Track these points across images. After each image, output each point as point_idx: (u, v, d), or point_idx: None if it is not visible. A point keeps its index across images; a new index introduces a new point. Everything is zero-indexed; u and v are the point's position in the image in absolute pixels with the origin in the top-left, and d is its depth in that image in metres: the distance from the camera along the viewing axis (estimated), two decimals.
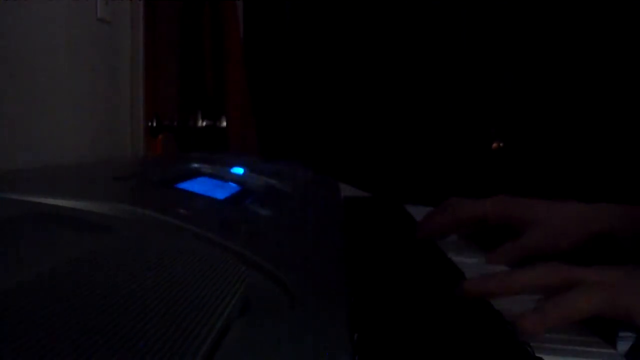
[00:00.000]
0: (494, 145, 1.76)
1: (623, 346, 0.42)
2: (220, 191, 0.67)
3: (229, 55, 1.45)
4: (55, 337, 0.20)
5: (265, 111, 1.70)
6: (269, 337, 0.30)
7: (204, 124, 1.43)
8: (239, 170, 0.84)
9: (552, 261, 0.49)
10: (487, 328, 0.39)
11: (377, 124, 1.80)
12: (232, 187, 0.74)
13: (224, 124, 1.43)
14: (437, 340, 0.35)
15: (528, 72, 1.73)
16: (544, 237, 0.65)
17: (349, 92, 1.81)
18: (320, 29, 1.81)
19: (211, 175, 0.77)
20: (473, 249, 0.77)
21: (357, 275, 0.46)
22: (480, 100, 1.77)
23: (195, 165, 0.81)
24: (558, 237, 0.64)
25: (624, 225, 0.62)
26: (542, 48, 1.70)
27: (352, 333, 0.33)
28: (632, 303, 0.40)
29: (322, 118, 1.81)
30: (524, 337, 0.38)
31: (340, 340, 0.31)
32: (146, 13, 1.16)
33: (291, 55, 1.81)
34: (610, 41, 1.64)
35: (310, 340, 0.30)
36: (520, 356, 0.35)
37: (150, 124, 1.21)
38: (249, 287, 0.33)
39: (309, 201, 0.83)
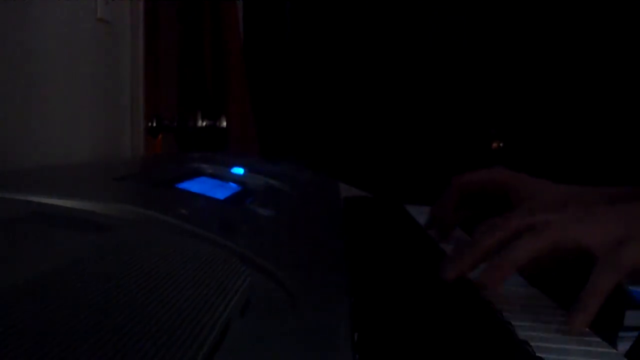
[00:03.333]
0: (494, 145, 1.76)
1: (623, 346, 0.42)
2: (220, 191, 0.67)
3: (229, 55, 1.45)
4: (55, 337, 0.20)
5: (265, 111, 1.70)
6: (269, 337, 0.30)
7: (204, 124, 1.43)
8: (239, 170, 0.84)
9: (507, 215, 0.52)
10: (488, 328, 0.39)
11: (377, 124, 1.80)
12: (232, 187, 0.74)
13: (224, 124, 1.43)
14: (437, 340, 0.35)
15: (528, 72, 1.73)
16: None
17: (349, 92, 1.81)
18: (320, 29, 1.81)
19: (211, 175, 0.77)
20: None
21: (357, 275, 0.46)
22: (480, 100, 1.77)
23: (195, 165, 0.81)
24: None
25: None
26: (542, 48, 1.70)
27: (352, 333, 0.33)
28: (579, 233, 0.43)
29: (322, 118, 1.81)
30: (486, 294, 0.42)
31: (340, 340, 0.31)
32: (146, 13, 1.16)
33: (291, 55, 1.81)
34: (610, 41, 1.64)
35: (310, 340, 0.30)
36: (520, 356, 0.35)
37: (150, 124, 1.21)
38: (249, 287, 0.33)
39: (309, 201, 0.83)
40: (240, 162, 0.88)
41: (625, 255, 0.41)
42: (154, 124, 1.22)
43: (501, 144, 1.76)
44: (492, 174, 0.72)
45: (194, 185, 0.66)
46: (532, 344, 0.37)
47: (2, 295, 0.23)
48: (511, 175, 0.71)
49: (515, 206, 0.67)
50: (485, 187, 0.71)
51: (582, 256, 0.43)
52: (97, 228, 0.39)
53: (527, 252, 0.43)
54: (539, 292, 0.52)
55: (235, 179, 0.80)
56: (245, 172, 0.84)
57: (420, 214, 0.93)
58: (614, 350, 0.41)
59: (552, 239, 0.43)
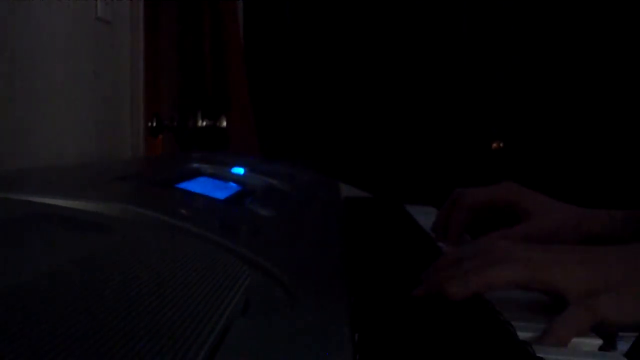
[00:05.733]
0: (494, 145, 1.76)
1: (623, 346, 0.42)
2: (220, 191, 0.67)
3: (229, 55, 1.45)
4: (56, 337, 0.20)
5: (265, 111, 1.70)
6: (269, 337, 0.30)
7: (204, 124, 1.43)
8: (239, 170, 0.84)
9: (491, 237, 0.55)
10: (488, 328, 0.39)
11: (377, 124, 1.80)
12: (232, 187, 0.74)
13: (224, 124, 1.43)
14: (437, 340, 0.35)
15: (528, 72, 1.73)
16: (538, 230, 0.66)
17: (349, 92, 1.81)
18: (320, 29, 1.81)
19: (211, 175, 0.77)
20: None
21: (357, 275, 0.46)
22: (481, 100, 1.77)
23: (195, 165, 0.81)
24: (551, 235, 0.65)
25: (614, 228, 0.63)
26: (542, 48, 1.70)
27: (353, 333, 0.33)
28: (551, 278, 0.44)
29: (322, 118, 1.81)
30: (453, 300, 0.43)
31: (340, 340, 0.31)
32: (146, 13, 1.16)
33: (291, 55, 1.81)
34: (610, 41, 1.64)
35: (310, 340, 0.30)
36: (520, 356, 0.35)
37: (150, 124, 1.21)
38: (249, 287, 0.33)
39: (309, 201, 0.83)
40: (240, 162, 0.88)
41: (596, 305, 0.42)
42: (154, 124, 1.22)
43: (501, 144, 1.76)
44: (500, 191, 0.72)
45: (194, 185, 0.66)
46: (532, 344, 0.37)
47: (2, 295, 0.23)
48: (519, 193, 0.71)
49: (522, 221, 0.67)
50: (494, 204, 0.72)
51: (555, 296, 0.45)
52: (97, 228, 0.39)
53: (497, 280, 0.44)
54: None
55: (235, 179, 0.80)
56: (245, 172, 0.84)
57: (420, 214, 0.92)
58: (614, 350, 0.41)
59: (528, 276, 0.44)
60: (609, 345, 0.41)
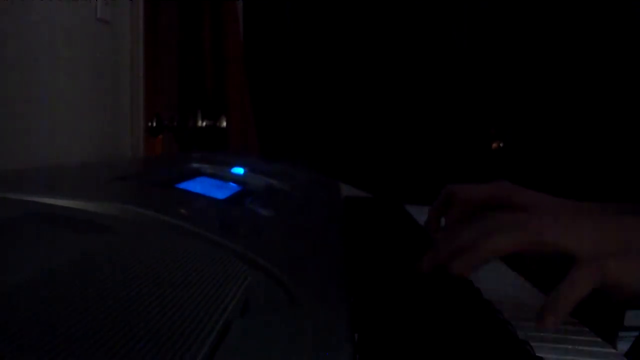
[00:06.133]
0: (494, 145, 1.76)
1: (623, 346, 0.42)
2: (220, 191, 0.67)
3: (229, 55, 1.45)
4: (56, 337, 0.20)
5: (265, 111, 1.70)
6: (269, 337, 0.30)
7: (204, 124, 1.43)
8: (239, 170, 0.84)
9: (490, 212, 0.54)
10: (488, 328, 0.39)
11: (377, 124, 1.80)
12: (232, 187, 0.74)
13: (224, 124, 1.43)
14: (437, 340, 0.35)
15: (528, 72, 1.73)
16: None
17: (349, 92, 1.81)
18: (320, 29, 1.81)
19: (211, 175, 0.77)
20: None
21: (357, 275, 0.46)
22: (480, 100, 1.77)
23: (195, 165, 0.81)
24: None
25: None
26: (542, 48, 1.70)
27: (353, 333, 0.33)
28: (561, 238, 0.42)
29: (322, 118, 1.81)
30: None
31: (340, 340, 0.31)
32: (146, 13, 1.16)
33: (291, 55, 1.81)
34: (609, 41, 1.64)
35: (310, 340, 0.30)
36: (520, 355, 0.35)
37: (150, 124, 1.21)
38: (249, 287, 0.33)
39: (309, 201, 0.83)
40: (240, 162, 0.88)
41: (608, 266, 0.40)
42: (154, 124, 1.22)
43: (501, 144, 1.76)
44: (494, 189, 0.71)
45: (194, 185, 0.66)
46: (532, 343, 0.37)
47: (2, 295, 0.23)
48: (514, 190, 0.70)
49: None
50: (488, 202, 0.71)
51: (562, 256, 0.43)
52: (97, 228, 0.39)
53: (503, 244, 0.43)
54: (531, 286, 0.52)
55: (235, 179, 0.80)
56: (245, 172, 0.84)
57: (420, 214, 0.92)
58: (614, 350, 0.41)
59: (534, 237, 0.42)
60: (609, 345, 0.41)
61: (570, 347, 0.40)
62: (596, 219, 0.45)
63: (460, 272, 0.42)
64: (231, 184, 0.76)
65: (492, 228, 0.44)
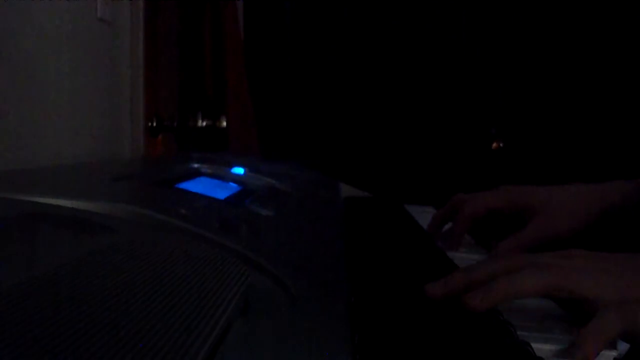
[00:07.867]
0: (494, 145, 1.76)
1: (623, 346, 0.42)
2: (220, 191, 0.67)
3: (229, 55, 1.45)
4: (55, 337, 0.20)
5: (265, 111, 1.70)
6: (269, 337, 0.30)
7: (204, 124, 1.43)
8: (239, 170, 0.84)
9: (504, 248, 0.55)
10: (488, 328, 0.39)
11: (377, 124, 1.80)
12: (232, 187, 0.74)
13: (224, 124, 1.43)
14: (437, 340, 0.35)
15: (528, 72, 1.73)
16: (544, 224, 0.66)
17: (349, 92, 1.81)
18: (320, 29, 1.81)
19: (211, 175, 0.77)
20: (471, 245, 0.77)
21: (357, 275, 0.46)
22: (480, 100, 1.77)
23: (195, 165, 0.81)
24: (560, 221, 0.65)
25: (635, 197, 0.63)
26: (542, 48, 1.70)
27: (353, 333, 0.33)
28: (581, 285, 0.41)
29: (322, 118, 1.81)
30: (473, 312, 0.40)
31: (340, 340, 0.31)
32: (146, 13, 1.16)
33: (291, 55, 1.81)
34: (610, 41, 1.64)
35: (310, 340, 0.30)
36: (520, 356, 0.35)
37: (150, 124, 1.21)
38: (249, 287, 0.33)
39: (309, 201, 0.83)
40: (240, 162, 0.88)
41: (629, 310, 0.39)
42: (154, 124, 1.22)
43: (501, 144, 1.76)
44: (499, 197, 0.71)
45: (194, 185, 0.66)
46: (533, 345, 0.37)
47: (2, 295, 0.23)
48: (518, 193, 0.70)
49: (529, 221, 0.67)
50: (494, 210, 0.71)
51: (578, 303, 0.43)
52: (97, 228, 0.39)
53: (523, 288, 0.42)
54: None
55: (235, 179, 0.80)
56: (245, 172, 0.84)
57: (420, 213, 0.93)
58: (614, 351, 0.41)
59: (553, 282, 0.42)
60: (609, 345, 0.41)
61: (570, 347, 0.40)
62: (620, 263, 0.44)
63: (474, 306, 0.41)
64: (231, 184, 0.76)
65: (515, 268, 0.43)
